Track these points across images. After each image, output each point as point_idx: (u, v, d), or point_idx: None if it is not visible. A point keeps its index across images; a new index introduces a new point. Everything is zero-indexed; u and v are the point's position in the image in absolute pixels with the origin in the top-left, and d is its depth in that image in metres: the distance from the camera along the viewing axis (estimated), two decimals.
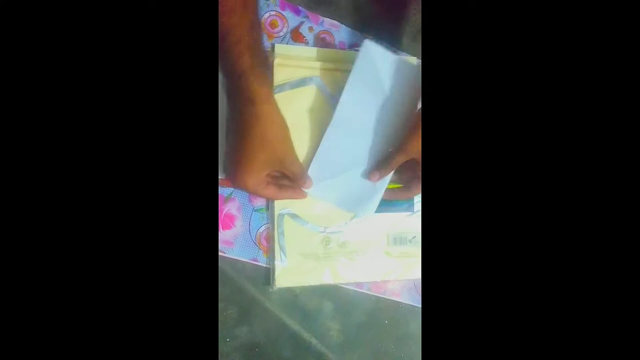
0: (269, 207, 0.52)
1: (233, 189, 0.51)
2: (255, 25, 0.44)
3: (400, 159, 0.49)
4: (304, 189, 0.50)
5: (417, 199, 0.55)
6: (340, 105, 0.50)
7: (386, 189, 0.52)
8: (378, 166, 0.51)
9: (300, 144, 0.51)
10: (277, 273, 0.50)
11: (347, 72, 0.51)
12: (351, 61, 0.51)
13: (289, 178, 0.49)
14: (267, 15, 0.54)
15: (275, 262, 0.50)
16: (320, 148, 0.51)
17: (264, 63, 0.45)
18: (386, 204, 0.53)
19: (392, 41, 0.58)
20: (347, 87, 0.50)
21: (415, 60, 0.57)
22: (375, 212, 0.53)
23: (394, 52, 0.58)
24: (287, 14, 0.55)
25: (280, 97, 0.47)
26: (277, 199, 0.50)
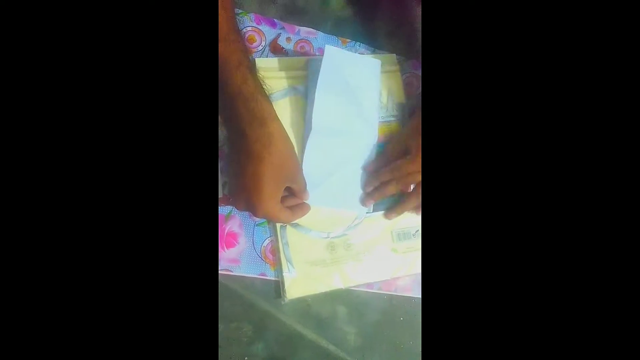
0: None
1: (232, 207, 0.51)
2: (247, 49, 0.45)
3: (393, 189, 0.51)
4: (305, 201, 0.50)
5: None
6: (315, 111, 0.50)
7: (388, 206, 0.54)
8: (370, 194, 0.53)
9: None
10: (287, 285, 0.50)
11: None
12: None
13: (294, 194, 0.49)
14: (243, 31, 0.54)
15: (284, 274, 0.50)
16: (305, 156, 0.51)
17: (261, 82, 0.45)
18: (385, 202, 0.53)
19: (369, 40, 0.59)
20: (317, 93, 0.50)
21: (395, 58, 0.58)
22: (375, 211, 0.53)
23: (372, 50, 0.59)
24: (264, 27, 0.55)
25: None
26: (290, 222, 0.50)
